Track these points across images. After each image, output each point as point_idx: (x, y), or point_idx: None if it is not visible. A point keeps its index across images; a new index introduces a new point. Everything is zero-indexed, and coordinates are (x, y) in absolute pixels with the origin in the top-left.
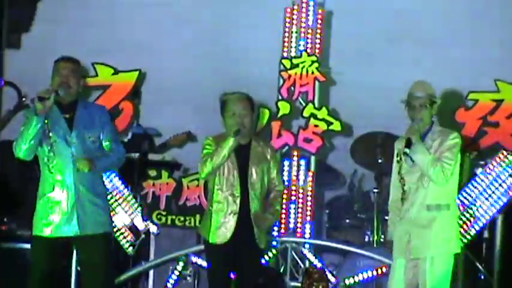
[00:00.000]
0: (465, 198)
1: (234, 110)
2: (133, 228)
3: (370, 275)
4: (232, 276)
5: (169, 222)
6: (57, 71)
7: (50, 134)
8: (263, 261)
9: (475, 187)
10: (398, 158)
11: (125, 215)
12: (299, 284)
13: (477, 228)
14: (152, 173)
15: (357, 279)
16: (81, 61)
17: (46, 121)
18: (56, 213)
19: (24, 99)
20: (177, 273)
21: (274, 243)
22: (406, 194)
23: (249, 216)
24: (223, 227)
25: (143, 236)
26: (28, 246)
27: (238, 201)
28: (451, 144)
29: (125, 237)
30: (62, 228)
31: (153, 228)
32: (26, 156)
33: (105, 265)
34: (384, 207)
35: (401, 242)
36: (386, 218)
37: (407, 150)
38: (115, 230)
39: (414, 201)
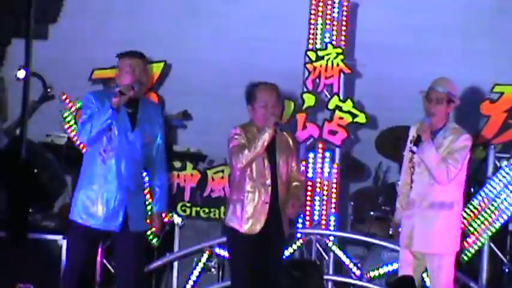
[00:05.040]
0: (490, 191)
1: (267, 100)
2: None
3: (394, 267)
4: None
5: (193, 213)
6: (129, 67)
7: (111, 127)
8: (287, 252)
9: (500, 180)
10: (412, 145)
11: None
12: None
13: (502, 221)
14: (177, 164)
15: (381, 271)
16: (106, 51)
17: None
18: (103, 205)
19: (49, 90)
20: (201, 264)
21: (298, 235)
22: (413, 183)
23: (278, 205)
24: (255, 217)
25: (168, 227)
26: (53, 237)
27: (269, 190)
28: (460, 146)
29: (149, 229)
30: (106, 222)
31: (178, 220)
32: (89, 143)
33: (140, 261)
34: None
35: (404, 230)
36: None
37: (414, 148)
38: None
39: (419, 195)
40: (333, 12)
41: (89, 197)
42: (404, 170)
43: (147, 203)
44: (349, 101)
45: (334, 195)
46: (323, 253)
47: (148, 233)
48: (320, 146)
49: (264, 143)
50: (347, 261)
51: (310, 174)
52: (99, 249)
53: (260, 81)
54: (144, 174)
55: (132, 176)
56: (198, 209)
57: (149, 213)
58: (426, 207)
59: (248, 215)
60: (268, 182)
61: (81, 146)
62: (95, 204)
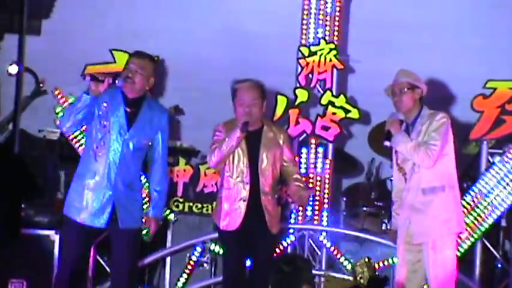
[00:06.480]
0: (483, 186)
1: (243, 99)
2: None
3: (387, 263)
4: (248, 263)
5: (186, 209)
6: (126, 64)
7: (106, 123)
8: (281, 247)
9: (493, 176)
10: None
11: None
12: (316, 272)
13: (494, 217)
14: (169, 159)
15: None
16: (99, 47)
17: (105, 104)
18: (91, 200)
19: (41, 85)
20: (194, 260)
21: (291, 230)
22: (407, 182)
23: (260, 202)
24: (232, 214)
25: (160, 222)
26: (46, 232)
27: (247, 187)
28: (437, 125)
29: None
30: (93, 218)
31: (170, 215)
32: (68, 130)
33: (132, 258)
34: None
35: (402, 228)
36: None
37: (387, 143)
38: None
39: (410, 187)
40: (326, 7)
41: (79, 193)
42: (396, 177)
43: (143, 202)
44: (342, 96)
45: (326, 191)
46: (316, 249)
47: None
48: (313, 141)
49: (232, 143)
50: (340, 256)
51: (303, 170)
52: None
53: (244, 78)
54: (143, 177)
55: (123, 175)
56: (191, 204)
57: (142, 211)
58: (418, 196)
59: (225, 212)
60: (247, 179)
61: (74, 141)
62: (83, 199)
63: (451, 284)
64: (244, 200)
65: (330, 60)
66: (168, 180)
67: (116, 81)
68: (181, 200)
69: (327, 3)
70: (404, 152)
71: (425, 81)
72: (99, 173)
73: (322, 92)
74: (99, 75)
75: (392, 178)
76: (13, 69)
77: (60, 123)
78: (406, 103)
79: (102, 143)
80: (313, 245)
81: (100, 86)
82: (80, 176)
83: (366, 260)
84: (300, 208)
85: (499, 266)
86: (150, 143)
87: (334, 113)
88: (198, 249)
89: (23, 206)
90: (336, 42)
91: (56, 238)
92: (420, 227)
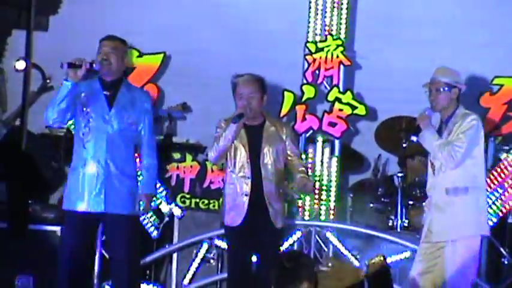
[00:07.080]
0: (490, 183)
1: (241, 92)
2: (157, 211)
3: (393, 259)
4: (254, 258)
5: (193, 205)
6: (99, 48)
7: (88, 110)
8: (287, 244)
9: (500, 172)
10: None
11: None
12: (323, 268)
13: (501, 213)
14: (176, 155)
15: None
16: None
17: (83, 94)
18: (87, 188)
19: (48, 81)
20: (200, 256)
21: (297, 226)
22: (434, 179)
23: (263, 197)
24: (236, 209)
25: (167, 219)
26: (52, 228)
27: (249, 182)
28: (466, 126)
29: (149, 220)
30: (90, 204)
31: (177, 211)
32: (54, 123)
33: (129, 247)
34: (408, 191)
35: (425, 225)
36: (410, 202)
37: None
38: None
39: (436, 185)
40: (333, 3)
41: (75, 182)
42: (429, 172)
43: (136, 189)
44: (348, 92)
45: (333, 187)
46: (322, 245)
47: (148, 225)
48: (319, 137)
49: (228, 137)
50: (346, 253)
51: (309, 166)
52: (98, 241)
53: (245, 73)
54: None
55: (112, 158)
56: (198, 200)
57: (137, 198)
58: (442, 195)
59: (228, 207)
60: (248, 174)
61: None
62: (79, 188)
63: (467, 285)
64: (246, 195)
65: (337, 56)
66: (156, 158)
67: (93, 65)
68: (188, 196)
69: None
70: (430, 150)
71: None
72: (89, 159)
73: (329, 88)
74: (76, 61)
75: (399, 174)
76: (20, 65)
77: (45, 117)
78: (441, 102)
79: (87, 129)
80: (320, 242)
81: (78, 71)
82: (73, 168)
83: (382, 258)
84: (307, 204)
85: (506, 263)
86: (135, 125)
87: (341, 110)
88: (205, 245)
89: (29, 202)
90: (342, 39)
91: None
92: (440, 226)
